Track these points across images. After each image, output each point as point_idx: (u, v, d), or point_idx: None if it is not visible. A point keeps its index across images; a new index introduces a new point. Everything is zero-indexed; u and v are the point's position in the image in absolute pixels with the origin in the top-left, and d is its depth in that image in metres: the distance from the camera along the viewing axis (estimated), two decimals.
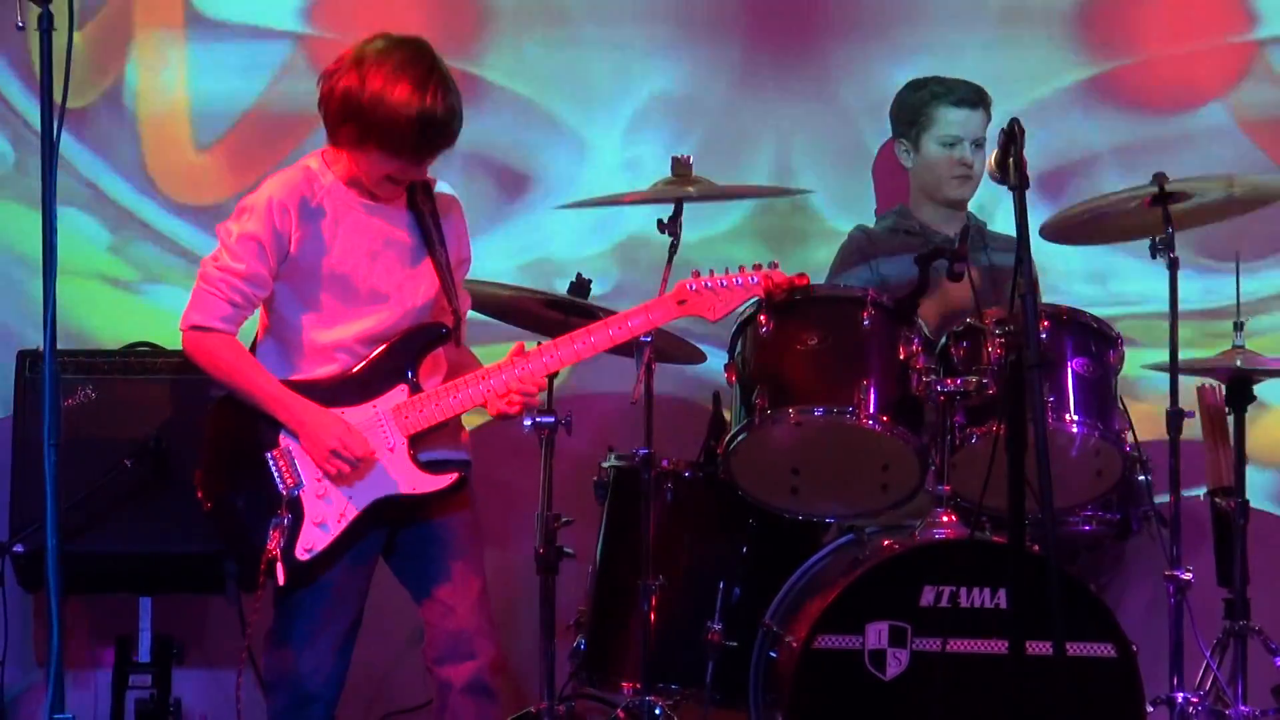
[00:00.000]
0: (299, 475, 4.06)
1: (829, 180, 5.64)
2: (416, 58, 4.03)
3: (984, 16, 5.71)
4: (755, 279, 4.24)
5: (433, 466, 4.12)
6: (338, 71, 4.04)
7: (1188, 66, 5.70)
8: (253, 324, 4.20)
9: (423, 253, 4.16)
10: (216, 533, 4.23)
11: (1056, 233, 4.91)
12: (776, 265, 4.27)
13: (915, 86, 5.31)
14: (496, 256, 5.49)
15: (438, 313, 4.19)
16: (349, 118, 4.02)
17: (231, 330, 4.09)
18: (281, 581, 4.01)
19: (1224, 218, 4.94)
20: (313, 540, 4.05)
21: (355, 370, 4.11)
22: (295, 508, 4.05)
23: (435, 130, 4.01)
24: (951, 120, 5.22)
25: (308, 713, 4.14)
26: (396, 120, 3.97)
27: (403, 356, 4.12)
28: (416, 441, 4.10)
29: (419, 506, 4.14)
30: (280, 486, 4.06)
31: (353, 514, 4.07)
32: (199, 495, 4.12)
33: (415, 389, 4.11)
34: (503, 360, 4.13)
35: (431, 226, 4.17)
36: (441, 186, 4.25)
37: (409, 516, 4.15)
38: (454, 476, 4.13)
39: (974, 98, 5.24)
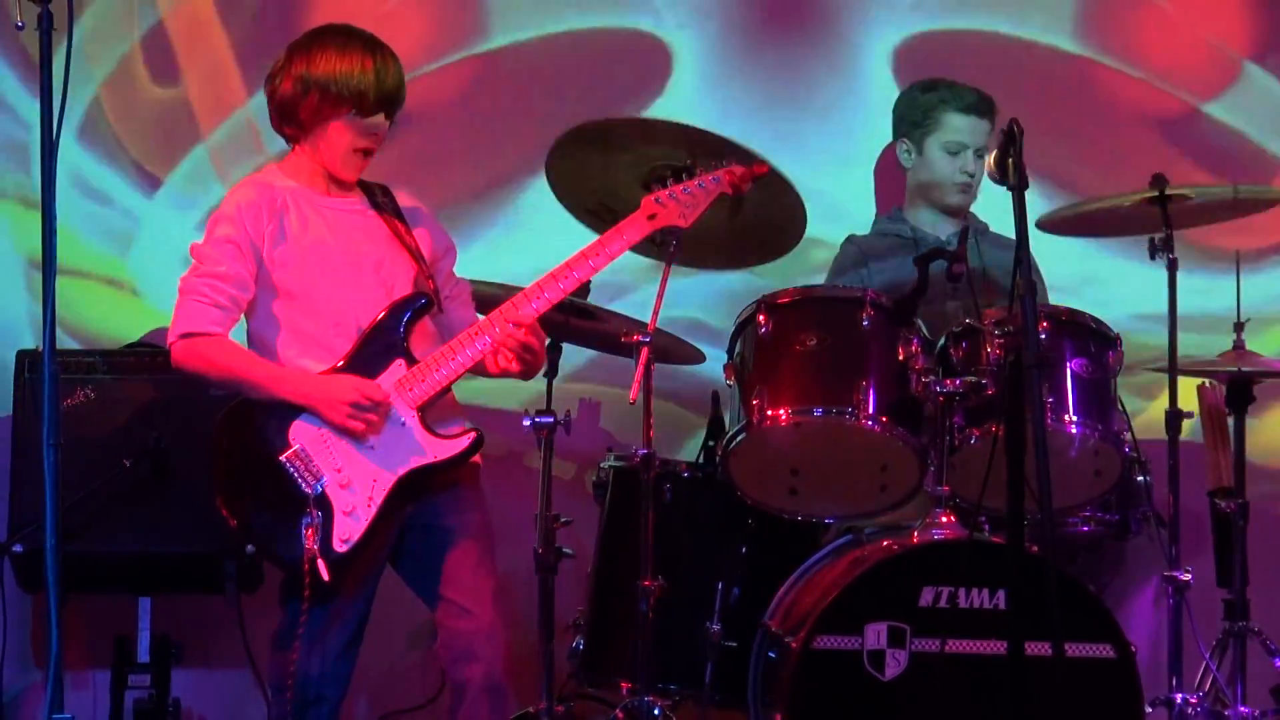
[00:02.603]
0: (318, 471, 4.07)
1: (829, 181, 5.64)
2: (353, 32, 4.22)
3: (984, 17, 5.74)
4: (717, 178, 4.28)
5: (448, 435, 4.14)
6: (280, 67, 4.20)
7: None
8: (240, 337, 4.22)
9: (392, 240, 4.23)
10: (256, 548, 4.27)
11: (1052, 226, 4.93)
12: (731, 160, 4.29)
13: (925, 88, 5.28)
14: (496, 257, 5.49)
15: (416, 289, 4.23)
16: (307, 90, 4.14)
17: (223, 332, 4.11)
18: (326, 578, 4.02)
19: (1224, 218, 4.97)
20: (348, 530, 4.06)
21: (347, 357, 4.13)
22: (323, 503, 4.06)
23: (391, 83, 4.18)
24: (958, 127, 5.20)
25: (314, 713, 4.16)
26: (354, 76, 4.14)
27: (391, 332, 4.15)
28: (426, 412, 4.11)
29: (437, 488, 4.15)
30: (303, 486, 4.06)
31: (381, 496, 4.08)
32: (224, 514, 4.12)
33: (412, 361, 4.12)
34: (492, 314, 4.16)
35: (395, 217, 4.25)
36: (403, 195, 4.34)
37: (425, 502, 4.16)
38: (472, 436, 4.14)
39: (982, 106, 5.21)
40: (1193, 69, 5.73)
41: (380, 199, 4.28)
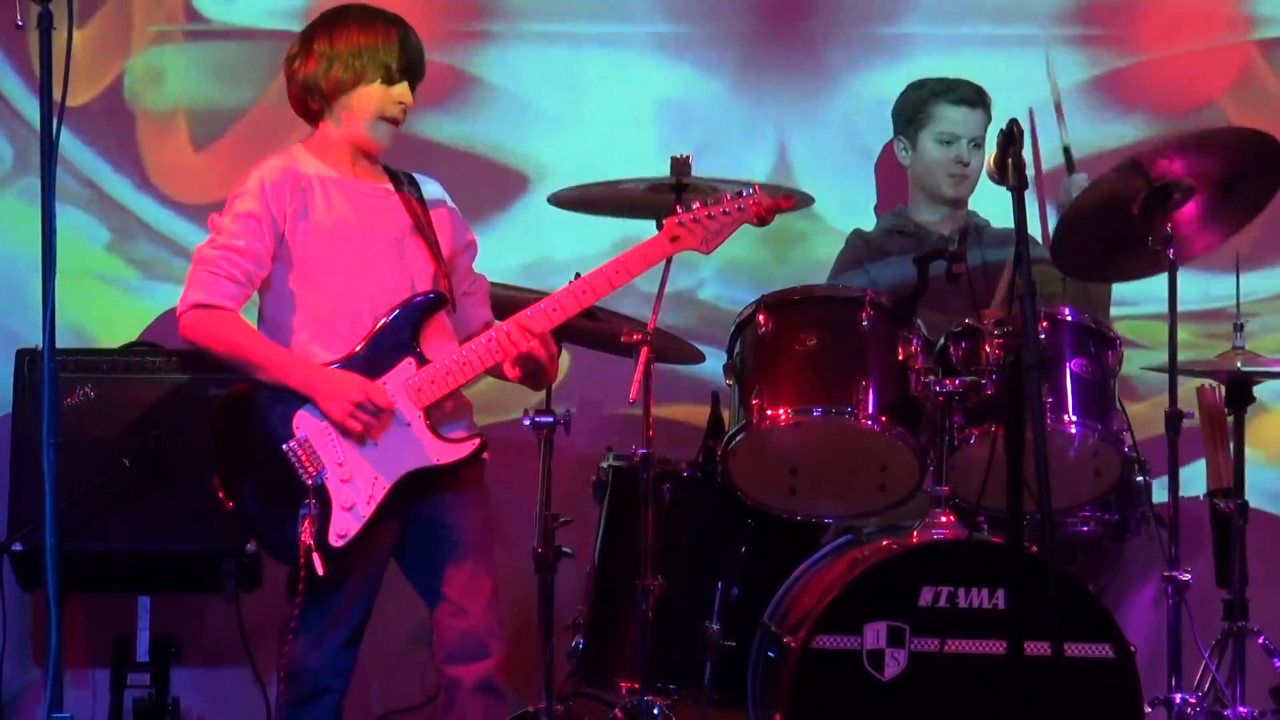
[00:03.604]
0: (320, 462, 4.06)
1: (830, 180, 5.64)
2: (370, 8, 4.23)
3: (985, 16, 5.74)
4: (743, 206, 4.25)
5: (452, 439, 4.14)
6: (300, 48, 4.21)
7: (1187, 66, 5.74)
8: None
9: (413, 232, 4.21)
10: (248, 532, 4.28)
11: (1074, 268, 4.90)
12: (757, 188, 4.27)
13: (916, 85, 5.33)
14: (497, 257, 5.49)
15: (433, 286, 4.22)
16: (331, 65, 4.15)
17: (235, 308, 4.10)
18: (321, 571, 4.01)
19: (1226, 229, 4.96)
20: (345, 526, 4.05)
21: (357, 350, 4.12)
22: (321, 495, 4.05)
23: (415, 52, 4.19)
24: (950, 118, 5.23)
25: (321, 703, 4.17)
26: (378, 46, 4.15)
27: (402, 330, 4.13)
28: (432, 414, 4.11)
29: (440, 487, 4.14)
30: (303, 476, 4.05)
31: (381, 493, 4.07)
32: (220, 495, 4.11)
33: (422, 361, 4.12)
34: (507, 321, 4.16)
35: (419, 210, 4.22)
36: (429, 184, 4.30)
37: (428, 499, 4.15)
38: (476, 442, 4.14)
39: (973, 97, 5.25)
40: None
41: (407, 188, 4.26)
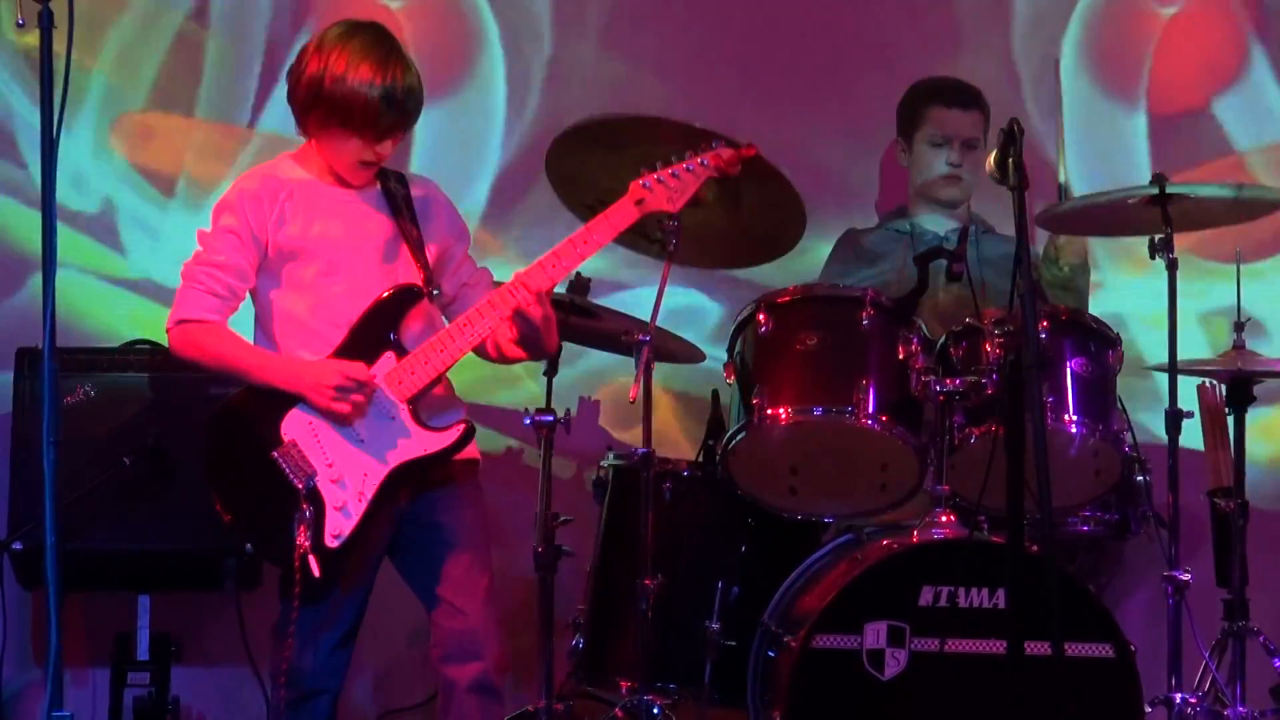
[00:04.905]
0: (310, 466, 4.06)
1: (830, 181, 5.64)
2: (376, 41, 4.14)
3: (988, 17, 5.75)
4: (706, 161, 4.20)
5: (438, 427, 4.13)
6: (301, 62, 4.15)
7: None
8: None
9: (397, 236, 4.20)
10: (251, 543, 4.29)
11: (1053, 223, 4.93)
12: (722, 142, 4.23)
13: (913, 86, 5.32)
14: (496, 256, 5.50)
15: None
16: (316, 102, 4.11)
17: (218, 320, 4.11)
18: (317, 574, 4.01)
19: (1225, 224, 4.95)
20: (339, 526, 4.05)
21: (337, 349, 4.11)
22: (314, 498, 4.05)
23: (398, 108, 4.10)
24: (941, 120, 5.22)
25: (314, 704, 4.18)
26: (359, 99, 4.07)
27: (381, 323, 4.13)
28: (416, 405, 4.11)
29: (432, 483, 4.14)
30: (295, 482, 4.05)
31: (371, 490, 4.07)
32: (218, 508, 4.12)
33: (402, 353, 4.11)
34: (480, 302, 4.14)
35: (404, 208, 4.21)
36: (418, 183, 4.31)
37: (421, 496, 4.15)
38: (461, 427, 4.13)
39: (966, 98, 5.24)
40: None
41: (393, 186, 4.24)
